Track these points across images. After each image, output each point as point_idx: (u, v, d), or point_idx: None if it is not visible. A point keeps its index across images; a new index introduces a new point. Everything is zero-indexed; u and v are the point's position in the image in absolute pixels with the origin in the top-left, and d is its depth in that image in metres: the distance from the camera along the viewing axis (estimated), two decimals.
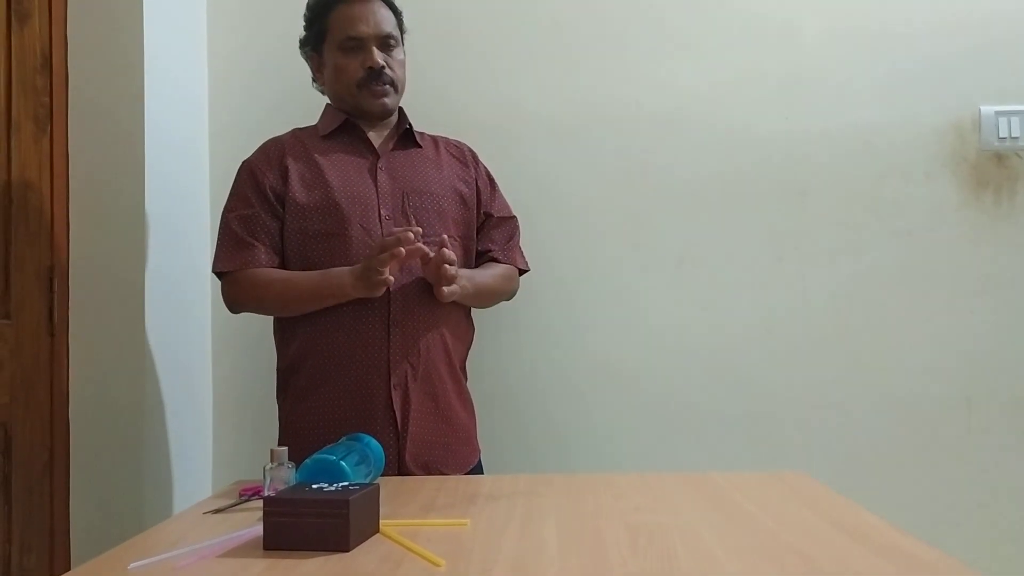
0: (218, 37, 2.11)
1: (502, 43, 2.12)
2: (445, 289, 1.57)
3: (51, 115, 1.75)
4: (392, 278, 1.53)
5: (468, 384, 1.78)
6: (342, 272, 1.59)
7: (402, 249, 1.48)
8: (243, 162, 1.74)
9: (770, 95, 2.10)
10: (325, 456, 1.31)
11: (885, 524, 1.19)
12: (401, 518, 1.23)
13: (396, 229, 1.56)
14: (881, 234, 2.09)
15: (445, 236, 1.59)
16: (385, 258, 1.50)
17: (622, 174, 2.10)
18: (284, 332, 1.71)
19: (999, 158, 2.09)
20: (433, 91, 2.05)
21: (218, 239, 1.69)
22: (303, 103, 2.07)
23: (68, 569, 1.69)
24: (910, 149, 2.09)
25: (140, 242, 1.78)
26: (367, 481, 1.35)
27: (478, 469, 1.75)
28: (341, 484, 1.17)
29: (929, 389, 2.07)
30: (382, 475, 1.55)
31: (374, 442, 1.46)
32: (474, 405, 1.78)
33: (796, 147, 2.10)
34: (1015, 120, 2.07)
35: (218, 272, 1.68)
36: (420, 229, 1.54)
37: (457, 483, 1.51)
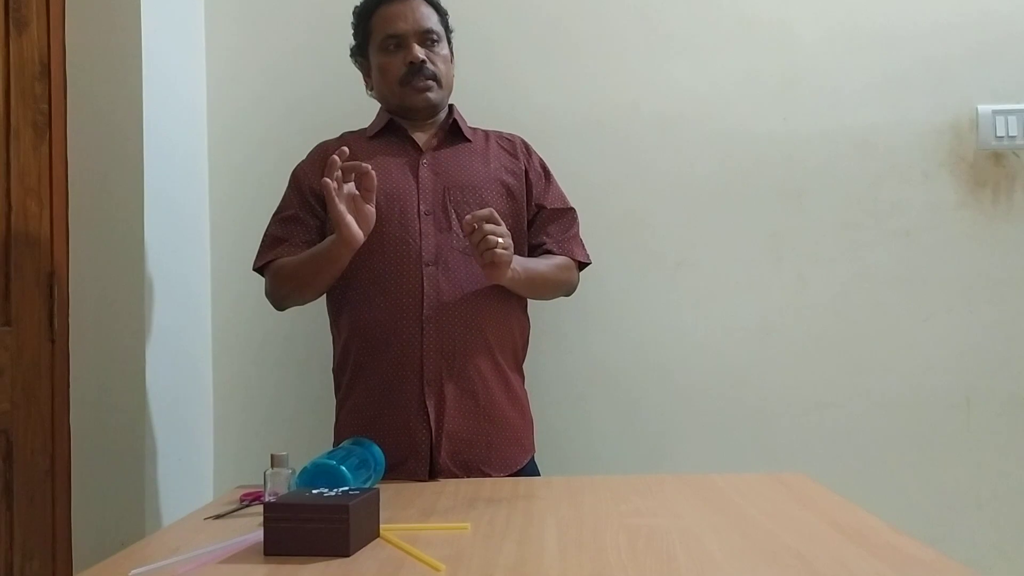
0: (217, 44, 2.11)
1: (500, 44, 2.12)
2: (496, 254, 1.48)
3: (50, 122, 1.75)
4: (353, 223, 1.47)
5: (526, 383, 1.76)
6: (331, 236, 1.56)
7: (335, 158, 1.45)
8: (294, 168, 1.78)
9: (767, 96, 2.10)
10: (325, 460, 1.31)
11: (884, 525, 1.20)
12: (401, 522, 1.24)
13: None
14: (879, 234, 2.09)
15: (491, 211, 1.51)
16: (327, 183, 1.45)
17: (620, 175, 2.11)
18: (334, 332, 1.74)
19: (997, 157, 2.10)
20: None
21: (260, 242, 1.74)
22: (302, 110, 2.08)
23: (70, 575, 1.70)
24: (908, 149, 2.09)
25: (139, 248, 1.78)
26: (367, 485, 1.35)
27: (531, 468, 1.72)
28: (341, 489, 1.18)
29: (928, 388, 2.07)
30: (412, 475, 1.57)
31: (375, 446, 1.46)
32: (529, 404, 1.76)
33: (794, 148, 2.10)
34: (1012, 119, 2.07)
35: (256, 270, 1.73)
36: (346, 150, 1.49)
37: (457, 487, 1.52)
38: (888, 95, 2.10)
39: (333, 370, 1.75)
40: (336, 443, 1.68)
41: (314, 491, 1.16)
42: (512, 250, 1.55)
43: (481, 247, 1.50)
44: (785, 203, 2.10)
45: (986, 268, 2.08)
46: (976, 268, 2.08)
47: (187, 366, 1.98)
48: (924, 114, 2.09)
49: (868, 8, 2.11)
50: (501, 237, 1.50)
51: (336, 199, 1.47)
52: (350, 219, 1.48)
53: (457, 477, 1.60)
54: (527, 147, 1.84)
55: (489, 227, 1.49)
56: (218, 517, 1.32)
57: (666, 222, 2.10)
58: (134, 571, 1.04)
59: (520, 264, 1.62)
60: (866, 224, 2.09)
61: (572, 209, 1.84)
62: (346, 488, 1.19)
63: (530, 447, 1.74)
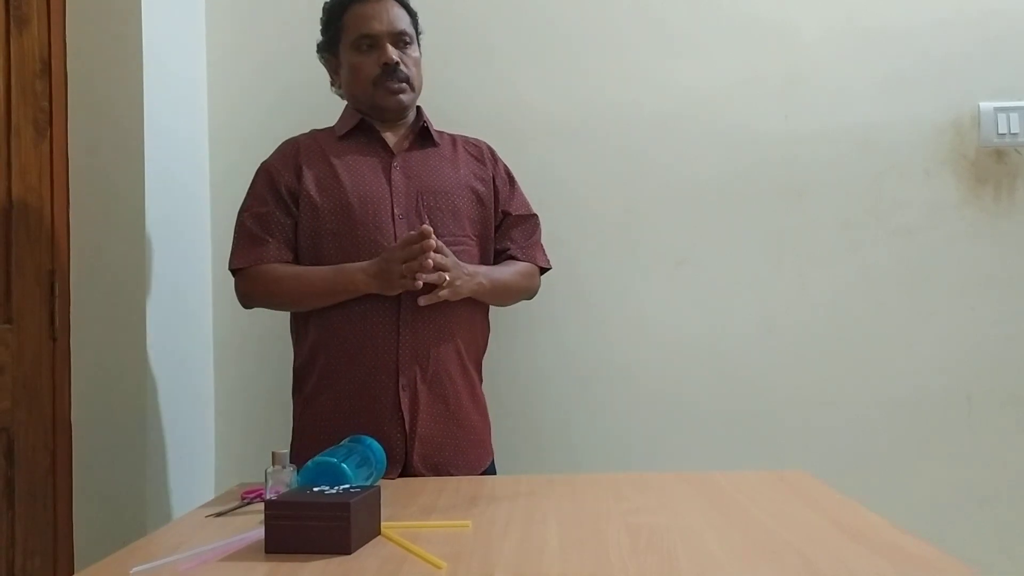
0: (217, 41, 2.11)
1: (501, 44, 2.12)
2: (440, 293, 1.57)
3: (51, 120, 1.75)
4: (420, 283, 1.54)
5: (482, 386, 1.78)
6: (355, 267, 1.60)
7: (430, 263, 1.53)
8: (261, 163, 1.76)
9: (769, 95, 2.10)
10: (326, 459, 1.32)
11: (885, 523, 1.20)
12: (402, 520, 1.24)
13: (412, 233, 1.57)
14: (881, 232, 2.09)
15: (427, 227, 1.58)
16: (414, 265, 1.53)
17: (622, 175, 2.10)
18: (298, 331, 1.73)
19: (999, 154, 2.09)
20: (432, 90, 2.05)
21: (234, 237, 1.72)
22: (302, 106, 2.08)
23: (71, 573, 1.70)
24: (909, 147, 2.09)
25: (141, 245, 1.78)
26: (368, 483, 1.35)
27: (491, 472, 1.74)
28: (342, 487, 1.18)
29: (929, 386, 2.07)
30: (385, 476, 1.56)
31: (376, 444, 1.46)
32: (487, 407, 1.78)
33: (796, 146, 2.10)
34: (1014, 116, 2.07)
35: (233, 269, 1.71)
36: (430, 228, 1.55)
37: (459, 484, 1.52)
38: (889, 93, 2.09)
39: (295, 368, 1.74)
40: (297, 443, 1.67)
41: (315, 489, 1.16)
42: (460, 271, 1.60)
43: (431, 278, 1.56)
44: (786, 202, 2.10)
45: (988, 266, 2.08)
46: (978, 266, 2.08)
47: (188, 364, 1.98)
48: (926, 112, 2.09)
49: (869, 6, 2.10)
50: (447, 272, 1.56)
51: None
52: (419, 283, 1.54)
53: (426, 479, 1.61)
54: (493, 153, 1.85)
55: (429, 261, 1.54)
56: (219, 515, 1.32)
57: (666, 222, 2.10)
58: (135, 568, 1.04)
59: (486, 276, 1.67)
60: (867, 223, 2.09)
61: (535, 215, 1.86)
62: (347, 486, 1.19)
63: (491, 448, 1.77)
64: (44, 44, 1.75)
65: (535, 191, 2.05)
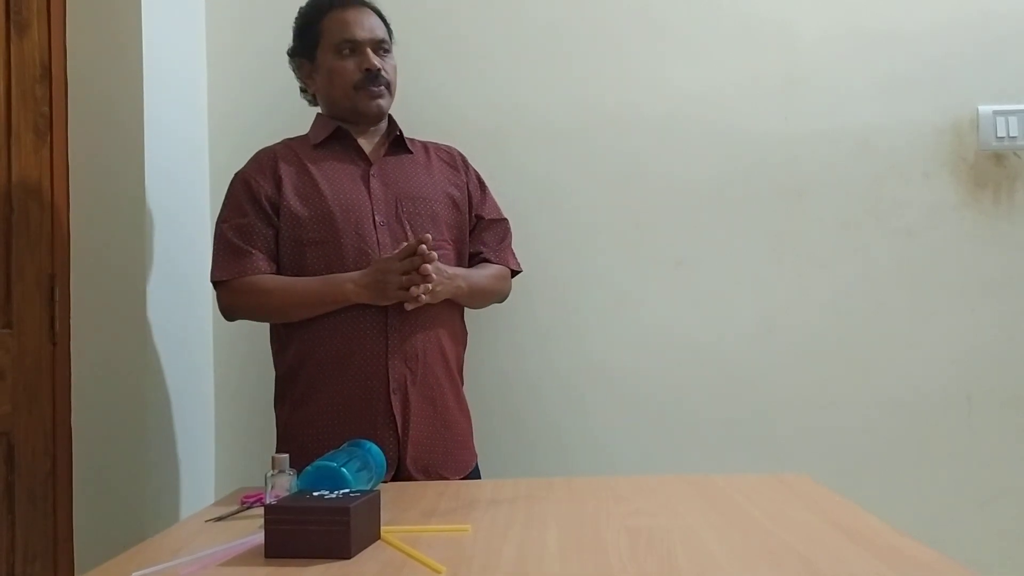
0: (218, 45, 2.11)
1: (498, 45, 2.12)
2: (423, 296, 1.57)
3: (51, 125, 1.75)
4: (424, 297, 1.56)
5: (465, 388, 1.79)
6: (344, 278, 1.61)
7: (432, 275, 1.55)
8: (236, 173, 1.76)
9: (768, 96, 2.10)
10: (326, 463, 1.31)
11: (885, 526, 1.20)
12: (402, 524, 1.24)
13: (409, 244, 1.58)
14: (880, 234, 2.09)
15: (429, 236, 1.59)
16: (416, 278, 1.54)
17: (620, 176, 2.11)
18: (280, 341, 1.72)
19: (997, 158, 2.09)
20: (430, 94, 2.06)
21: (214, 249, 1.70)
22: (302, 106, 2.08)
23: None
24: (908, 149, 2.09)
25: (141, 250, 1.79)
26: (368, 487, 1.35)
27: (475, 473, 1.76)
28: (342, 491, 1.18)
29: (929, 388, 2.07)
30: (383, 480, 1.56)
31: (375, 448, 1.46)
32: (470, 409, 1.79)
33: (794, 148, 2.10)
34: (1013, 120, 2.07)
35: (215, 281, 1.69)
36: (429, 237, 1.56)
37: (458, 488, 1.52)
38: (889, 95, 2.09)
39: (278, 378, 1.73)
40: (281, 449, 1.63)
41: (315, 493, 1.16)
42: (442, 275, 1.61)
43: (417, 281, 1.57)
44: (786, 203, 2.10)
45: (986, 268, 2.08)
46: (977, 268, 2.08)
47: (188, 368, 1.98)
48: (925, 114, 2.09)
49: (869, 8, 2.10)
50: (434, 275, 1.58)
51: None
52: (423, 298, 1.57)
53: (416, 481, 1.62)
54: (464, 160, 1.87)
55: (428, 271, 1.56)
56: (219, 519, 1.32)
57: (666, 222, 2.10)
58: (136, 573, 1.04)
59: (465, 280, 1.70)
60: (867, 224, 2.09)
61: (506, 219, 1.89)
62: (347, 490, 1.19)
63: (475, 450, 1.78)
64: (44, 49, 1.75)
65: (533, 194, 2.07)
